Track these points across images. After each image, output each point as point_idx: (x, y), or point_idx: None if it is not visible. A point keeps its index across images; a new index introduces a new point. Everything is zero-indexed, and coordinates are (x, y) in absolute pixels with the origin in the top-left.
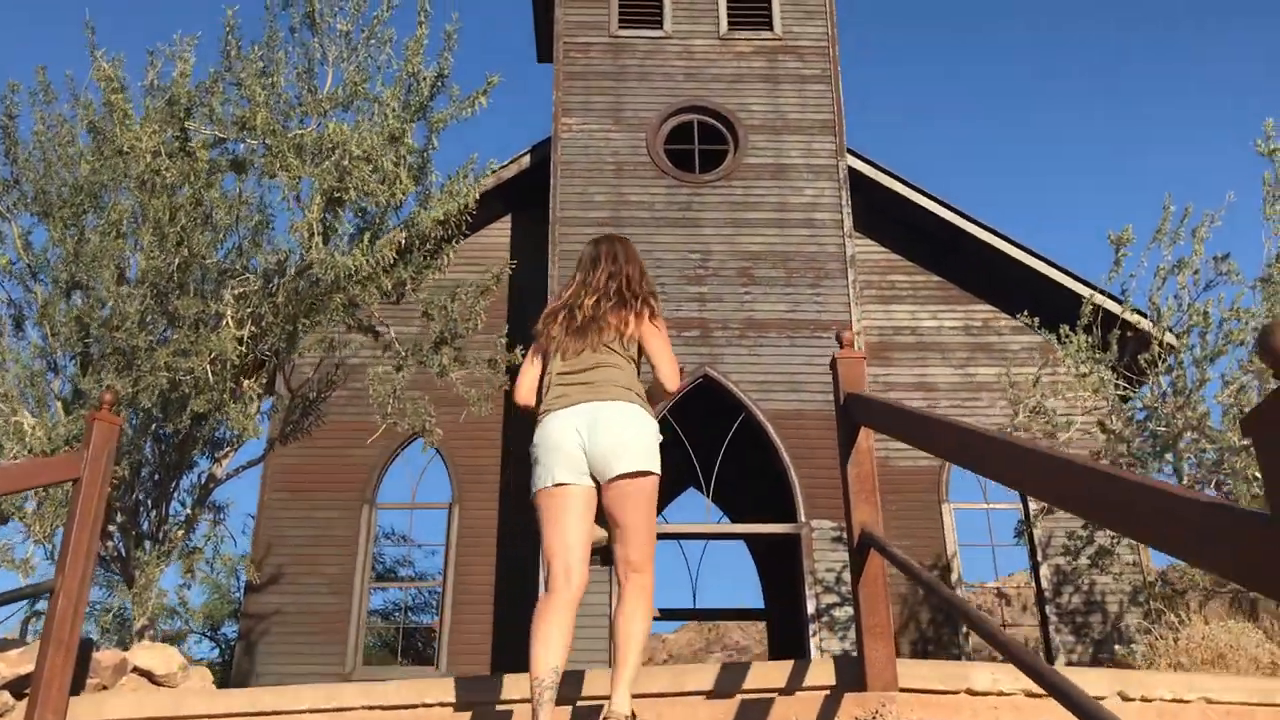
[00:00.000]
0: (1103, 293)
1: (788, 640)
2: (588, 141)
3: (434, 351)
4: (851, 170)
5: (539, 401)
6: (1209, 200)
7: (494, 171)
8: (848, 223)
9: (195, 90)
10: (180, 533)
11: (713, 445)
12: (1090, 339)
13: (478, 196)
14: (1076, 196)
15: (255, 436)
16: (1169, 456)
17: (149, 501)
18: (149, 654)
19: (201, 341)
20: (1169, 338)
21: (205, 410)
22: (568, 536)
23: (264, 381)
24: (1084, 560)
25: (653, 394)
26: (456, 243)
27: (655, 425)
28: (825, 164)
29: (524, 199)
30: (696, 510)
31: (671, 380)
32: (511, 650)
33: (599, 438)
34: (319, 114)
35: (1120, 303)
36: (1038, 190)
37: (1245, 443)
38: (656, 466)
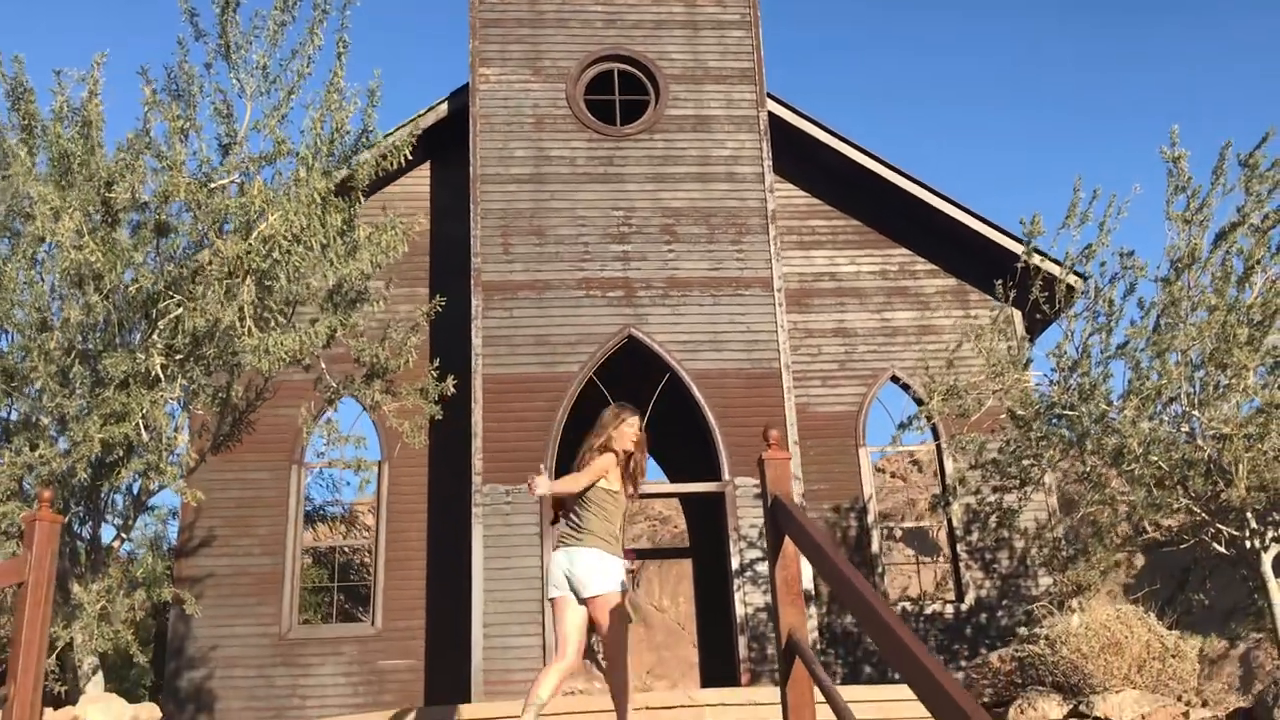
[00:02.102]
0: (1006, 234)
1: (712, 586)
2: (506, 93)
3: (365, 385)
4: (772, 115)
5: None
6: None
7: (411, 120)
8: (768, 177)
9: (114, 163)
10: (118, 542)
11: (639, 405)
12: (1002, 317)
13: (405, 249)
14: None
15: (191, 499)
16: (1067, 433)
17: (81, 512)
18: (98, 710)
19: (133, 400)
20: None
21: (141, 469)
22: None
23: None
24: (991, 522)
25: None
26: (390, 287)
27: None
28: (746, 114)
29: (443, 146)
30: None
31: None
32: (442, 609)
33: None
34: (242, 171)
35: (1042, 255)
36: (982, 146)
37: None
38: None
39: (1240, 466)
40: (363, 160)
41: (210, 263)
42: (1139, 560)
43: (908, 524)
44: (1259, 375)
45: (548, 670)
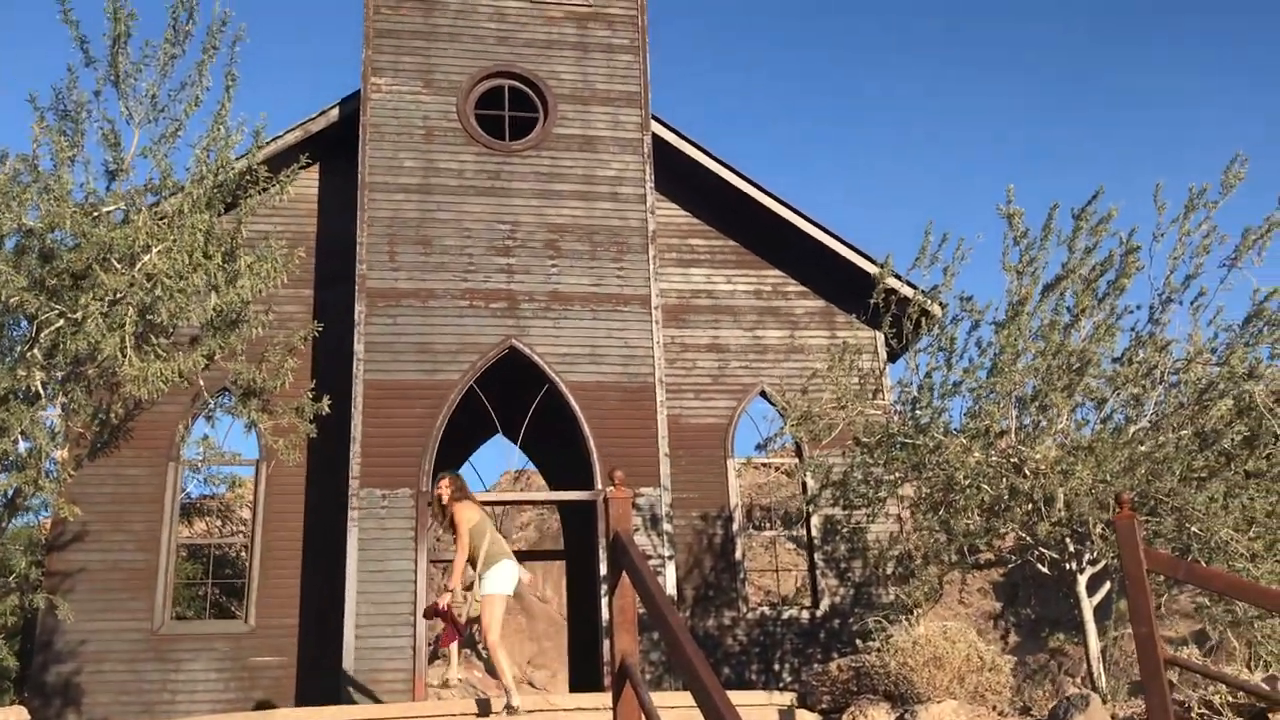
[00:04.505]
0: (872, 261)
1: (583, 589)
2: (398, 104)
3: (242, 403)
4: (656, 137)
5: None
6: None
7: (301, 124)
8: (650, 198)
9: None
10: None
11: (520, 414)
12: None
13: (285, 280)
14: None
15: (69, 515)
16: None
17: None
18: None
19: (13, 416)
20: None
21: (20, 485)
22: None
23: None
24: (843, 533)
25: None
26: (268, 314)
27: None
28: (631, 137)
29: (333, 150)
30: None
31: None
32: (316, 608)
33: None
34: (128, 202)
35: (900, 280)
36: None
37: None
38: None
39: (1055, 500)
40: (249, 199)
41: (92, 292)
42: (976, 577)
43: (769, 532)
44: (1080, 414)
45: (496, 654)
